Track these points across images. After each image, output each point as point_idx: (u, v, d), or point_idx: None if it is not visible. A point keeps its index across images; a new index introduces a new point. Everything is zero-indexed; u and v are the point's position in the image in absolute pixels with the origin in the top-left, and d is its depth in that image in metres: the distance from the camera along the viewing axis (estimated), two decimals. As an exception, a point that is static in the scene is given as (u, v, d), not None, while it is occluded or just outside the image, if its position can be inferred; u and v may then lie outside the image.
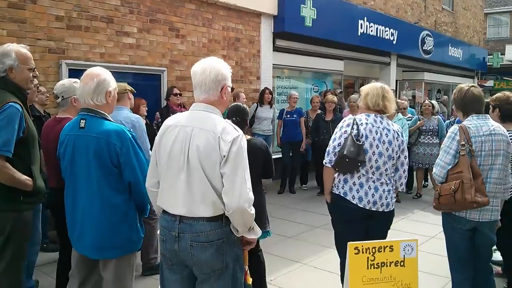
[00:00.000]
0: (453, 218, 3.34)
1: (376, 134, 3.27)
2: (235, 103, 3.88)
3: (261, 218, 3.63)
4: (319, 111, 8.41)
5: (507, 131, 3.41)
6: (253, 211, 2.29)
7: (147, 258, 4.46)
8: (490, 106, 3.88)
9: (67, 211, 2.82)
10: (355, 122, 3.29)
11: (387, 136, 3.29)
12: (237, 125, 3.50)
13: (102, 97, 2.72)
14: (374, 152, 3.25)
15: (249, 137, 3.68)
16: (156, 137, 2.42)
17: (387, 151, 3.27)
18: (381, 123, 3.32)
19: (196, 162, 2.23)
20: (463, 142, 3.19)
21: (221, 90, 2.34)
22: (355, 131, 3.25)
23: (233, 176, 2.21)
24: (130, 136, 2.73)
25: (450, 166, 3.24)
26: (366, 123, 3.29)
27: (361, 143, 3.22)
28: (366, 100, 3.39)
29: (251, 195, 2.26)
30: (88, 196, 2.68)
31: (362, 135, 3.25)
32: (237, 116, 3.60)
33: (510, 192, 3.49)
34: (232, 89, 2.50)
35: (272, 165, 3.82)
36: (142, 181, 2.66)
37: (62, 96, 3.48)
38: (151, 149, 2.76)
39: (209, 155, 2.22)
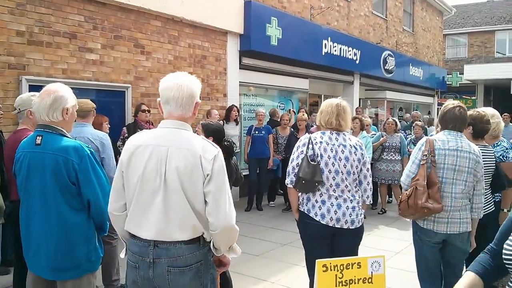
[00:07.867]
0: (420, 231, 3.37)
1: (332, 152, 3.27)
2: (208, 121, 3.84)
3: None
4: (290, 129, 8.47)
5: (479, 146, 3.50)
6: (237, 227, 2.26)
7: (109, 280, 4.29)
8: None
9: (22, 230, 2.69)
10: (310, 141, 3.29)
11: (343, 153, 3.29)
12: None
13: (58, 113, 2.61)
14: (330, 170, 3.26)
15: None
16: (122, 158, 2.25)
17: (345, 167, 3.28)
18: (337, 140, 3.32)
19: (176, 183, 2.12)
20: (426, 153, 3.27)
21: (194, 106, 2.27)
22: (310, 151, 3.26)
23: (218, 194, 2.15)
24: (89, 152, 2.63)
25: (414, 175, 3.32)
26: (321, 142, 3.29)
27: (316, 163, 3.22)
28: (320, 118, 3.41)
29: (234, 212, 2.24)
30: (44, 215, 2.57)
31: (317, 154, 3.25)
32: (215, 135, 3.59)
33: (483, 212, 3.42)
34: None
35: (236, 172, 3.93)
36: (101, 198, 2.58)
37: (19, 109, 3.51)
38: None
39: (190, 175, 2.12)
